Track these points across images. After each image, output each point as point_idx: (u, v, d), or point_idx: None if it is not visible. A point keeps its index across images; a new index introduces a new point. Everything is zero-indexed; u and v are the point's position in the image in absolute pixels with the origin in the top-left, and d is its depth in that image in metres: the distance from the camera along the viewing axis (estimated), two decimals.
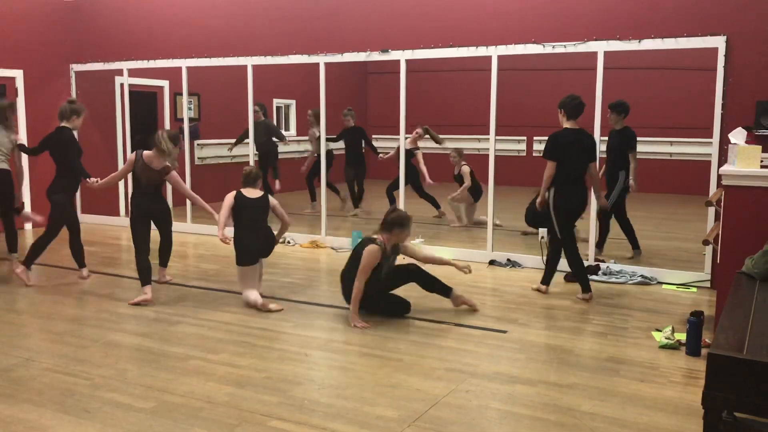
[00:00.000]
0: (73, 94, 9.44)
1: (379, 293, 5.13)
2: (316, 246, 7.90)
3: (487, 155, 7.08)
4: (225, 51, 8.38)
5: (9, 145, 6.32)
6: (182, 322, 5.02)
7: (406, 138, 7.75)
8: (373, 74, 14.22)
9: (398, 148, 7.95)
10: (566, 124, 5.62)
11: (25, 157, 8.28)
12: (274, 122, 12.06)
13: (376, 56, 7.56)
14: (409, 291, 5.31)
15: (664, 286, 6.19)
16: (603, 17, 6.44)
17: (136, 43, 9.01)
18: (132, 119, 9.25)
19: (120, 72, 9.19)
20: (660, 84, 11.81)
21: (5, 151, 6.30)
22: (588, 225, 6.80)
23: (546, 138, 5.69)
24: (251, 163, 8.26)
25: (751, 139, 5.35)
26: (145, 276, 5.51)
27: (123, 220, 9.34)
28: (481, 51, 6.97)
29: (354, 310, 4.92)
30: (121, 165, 8.96)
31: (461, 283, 5.71)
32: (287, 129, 13.14)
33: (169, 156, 5.59)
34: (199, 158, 10.79)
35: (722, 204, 4.57)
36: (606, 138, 6.99)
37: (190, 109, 10.20)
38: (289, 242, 7.94)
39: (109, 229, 9.14)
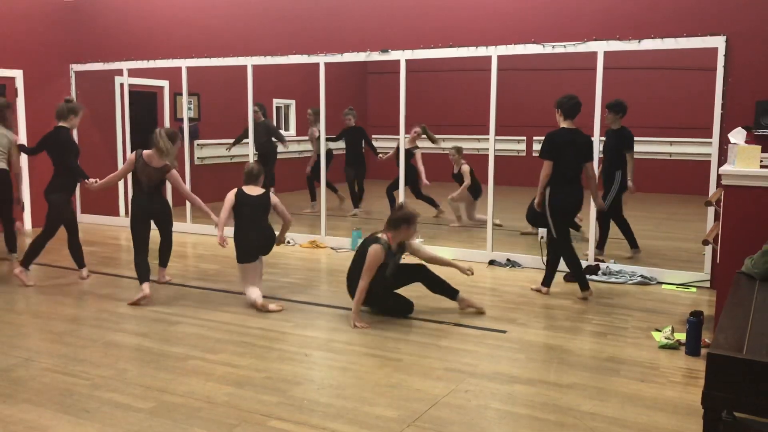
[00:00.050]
0: (73, 94, 9.44)
1: (385, 291, 5.13)
2: (315, 246, 7.90)
3: (487, 155, 7.08)
4: (225, 51, 8.38)
5: (7, 144, 6.32)
6: (182, 322, 5.01)
7: (405, 138, 7.75)
8: (372, 74, 14.22)
9: (397, 148, 7.94)
10: (563, 124, 5.62)
11: (24, 157, 8.31)
12: (274, 122, 12.07)
13: (376, 56, 7.56)
14: (408, 291, 5.31)
15: (663, 286, 6.19)
16: (603, 17, 6.44)
17: (135, 43, 9.01)
18: (132, 119, 9.25)
19: (120, 72, 9.19)
20: (660, 84, 11.81)
21: (3, 150, 6.30)
22: (588, 225, 6.80)
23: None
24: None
25: (751, 139, 5.35)
26: (142, 274, 5.51)
27: (122, 220, 9.34)
28: (480, 51, 6.97)
29: (356, 309, 4.92)
30: (121, 165, 8.95)
31: (461, 284, 5.70)
32: (287, 129, 13.13)
33: (168, 155, 5.59)
34: (198, 158, 10.78)
35: (722, 204, 4.57)
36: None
37: (189, 109, 10.20)
38: (288, 242, 7.94)
39: (108, 229, 9.14)
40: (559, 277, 6.09)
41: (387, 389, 3.76)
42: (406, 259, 5.40)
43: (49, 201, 6.00)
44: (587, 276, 6.32)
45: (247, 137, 8.62)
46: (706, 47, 6.04)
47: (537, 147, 11.86)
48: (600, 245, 6.98)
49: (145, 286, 5.47)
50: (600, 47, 6.41)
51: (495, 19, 6.94)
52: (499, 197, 7.20)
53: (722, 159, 5.81)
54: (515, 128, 11.27)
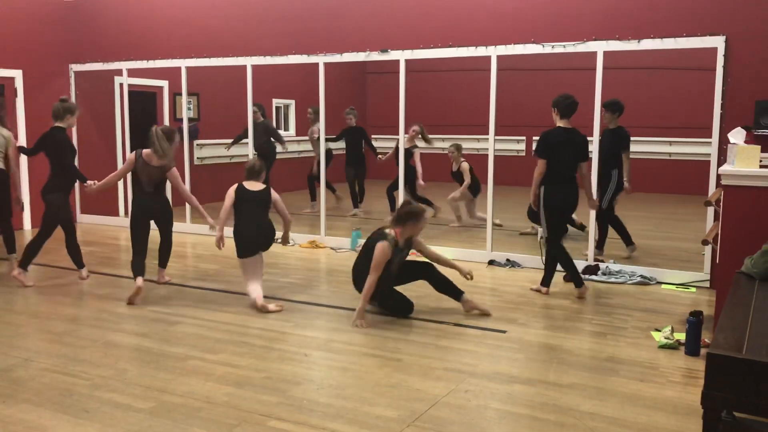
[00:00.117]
0: (73, 95, 9.44)
1: (389, 286, 5.13)
2: (315, 246, 7.90)
3: (487, 155, 7.08)
4: (224, 51, 8.38)
5: (4, 143, 6.29)
6: (181, 322, 5.01)
7: (404, 137, 7.75)
8: (372, 74, 14.22)
9: (396, 148, 7.94)
10: (559, 123, 5.63)
11: (23, 158, 8.31)
12: (274, 122, 12.06)
13: (375, 56, 7.56)
14: (408, 291, 5.31)
15: (663, 286, 6.19)
16: (602, 17, 6.44)
17: (135, 43, 9.01)
18: (131, 119, 9.25)
19: (119, 72, 9.19)
20: (659, 84, 11.82)
21: (0, 149, 6.26)
22: (588, 225, 6.80)
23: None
24: None
25: (750, 139, 5.35)
26: (138, 269, 5.54)
27: (122, 220, 9.34)
28: (480, 51, 6.98)
29: (363, 306, 4.92)
30: (120, 165, 8.95)
31: (460, 283, 5.69)
32: (286, 129, 13.13)
33: (165, 156, 5.58)
34: (198, 158, 10.78)
35: (721, 204, 4.57)
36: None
37: (189, 109, 10.20)
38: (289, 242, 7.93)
39: (108, 229, 9.13)
40: (558, 277, 6.09)
41: (387, 389, 3.76)
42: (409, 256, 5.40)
43: (46, 201, 5.99)
44: (587, 276, 6.34)
45: (246, 137, 8.62)
46: (706, 47, 6.04)
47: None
48: (599, 245, 6.98)
49: (139, 279, 5.48)
50: (599, 47, 6.41)
51: (494, 19, 6.94)
52: (498, 197, 7.20)
53: (722, 159, 5.82)
54: (515, 128, 11.28)
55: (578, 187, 5.70)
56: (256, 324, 4.97)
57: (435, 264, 5.37)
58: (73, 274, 6.35)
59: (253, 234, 5.41)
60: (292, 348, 4.46)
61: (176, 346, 4.46)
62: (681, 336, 4.49)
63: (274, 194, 5.55)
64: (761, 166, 4.48)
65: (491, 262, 7.02)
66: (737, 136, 4.83)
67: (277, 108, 12.89)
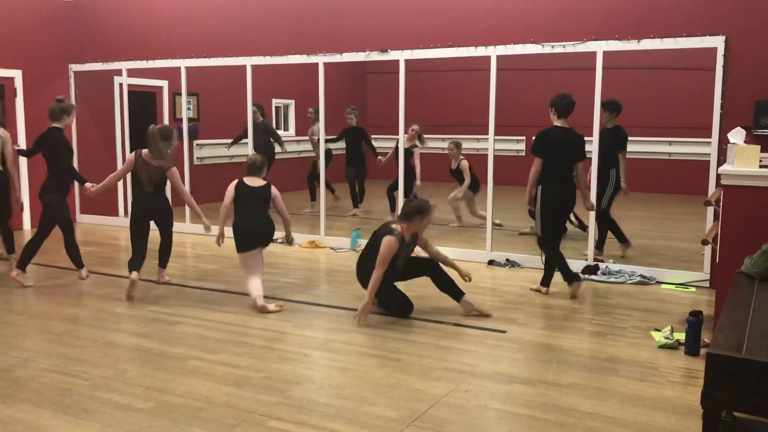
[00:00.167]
0: (72, 95, 9.44)
1: (393, 286, 5.13)
2: (315, 246, 7.90)
3: (486, 155, 7.08)
4: (224, 51, 8.38)
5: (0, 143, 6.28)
6: (181, 322, 5.01)
7: (404, 137, 7.74)
8: (372, 74, 14.22)
9: (396, 148, 7.94)
10: (557, 123, 5.64)
11: (23, 159, 8.30)
12: (273, 122, 12.06)
13: (375, 56, 7.56)
14: (408, 291, 5.30)
15: (663, 285, 6.19)
16: (602, 17, 6.44)
17: (135, 43, 9.01)
18: (131, 119, 9.24)
19: (119, 72, 9.19)
20: (659, 84, 11.82)
21: None
22: (587, 225, 6.80)
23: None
24: None
25: (750, 139, 5.35)
26: (133, 266, 5.57)
27: (122, 221, 9.34)
28: (480, 51, 6.98)
29: (369, 301, 4.92)
30: (120, 165, 8.95)
31: (460, 283, 5.69)
32: (286, 129, 13.13)
33: (161, 157, 5.59)
34: (198, 158, 10.78)
35: (721, 204, 4.57)
36: None
37: (189, 109, 10.20)
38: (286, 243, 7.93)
39: (107, 229, 9.13)
40: (558, 277, 6.08)
41: (386, 389, 3.76)
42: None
43: (44, 202, 5.98)
44: (587, 276, 6.35)
45: (246, 137, 8.62)
46: (706, 47, 6.04)
47: None
48: (599, 245, 6.98)
49: (134, 274, 5.51)
50: (599, 47, 6.41)
51: (494, 19, 6.94)
52: (498, 197, 7.20)
53: (721, 159, 5.82)
54: (514, 128, 11.28)
55: (575, 187, 5.70)
56: (256, 324, 4.97)
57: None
58: (72, 274, 6.35)
59: (252, 230, 5.40)
60: (292, 348, 4.46)
61: (176, 346, 4.46)
62: (681, 336, 4.49)
63: (274, 191, 5.54)
64: (761, 166, 4.48)
65: (491, 262, 7.02)
66: (737, 136, 4.83)
67: (277, 108, 12.89)
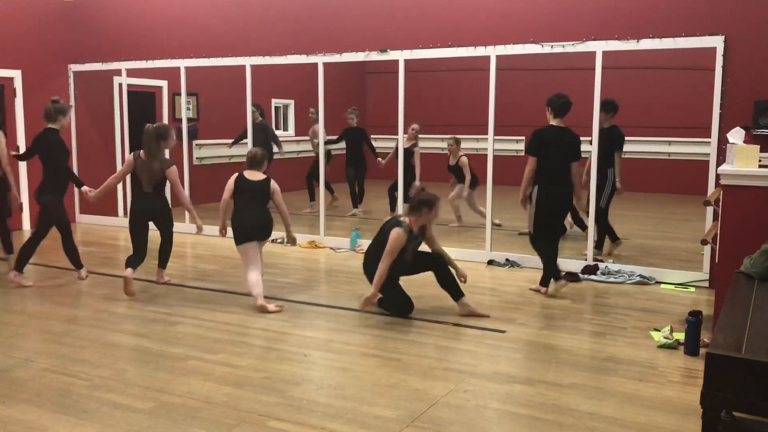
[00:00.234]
0: (72, 95, 9.44)
1: (397, 276, 5.13)
2: (314, 246, 7.89)
3: (486, 155, 7.08)
4: (223, 51, 8.38)
5: None
6: (181, 322, 5.01)
7: (404, 137, 7.74)
8: (371, 74, 14.22)
9: (396, 150, 7.93)
10: (552, 122, 5.65)
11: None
12: (273, 122, 12.05)
13: (374, 56, 7.55)
14: (407, 291, 5.30)
15: (662, 285, 6.19)
16: (601, 17, 6.44)
17: (134, 43, 9.00)
18: (130, 119, 9.24)
19: (118, 72, 9.19)
20: (658, 84, 11.82)
21: None
22: (587, 225, 6.80)
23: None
24: None
25: (750, 139, 5.35)
26: (129, 263, 5.59)
27: (121, 221, 9.33)
28: (479, 51, 6.97)
29: (375, 292, 4.92)
30: (119, 166, 8.95)
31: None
32: (285, 129, 13.13)
33: (153, 158, 5.58)
34: (197, 158, 10.78)
35: (720, 204, 4.57)
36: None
37: (188, 109, 10.20)
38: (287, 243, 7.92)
39: (107, 230, 9.13)
40: None
41: (386, 389, 3.76)
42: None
43: (40, 203, 5.96)
44: (586, 276, 6.35)
45: (245, 137, 8.61)
46: (705, 47, 6.04)
47: None
48: (599, 245, 6.98)
49: (128, 270, 5.53)
50: (599, 47, 6.41)
51: (493, 18, 6.94)
52: (498, 197, 7.20)
53: (721, 159, 5.82)
54: (514, 128, 11.28)
55: (572, 187, 5.69)
56: (256, 324, 4.97)
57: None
58: (72, 274, 6.34)
59: (251, 223, 5.39)
60: (292, 348, 4.46)
61: (175, 347, 4.46)
62: (680, 336, 4.49)
63: (273, 185, 5.52)
64: (760, 166, 4.48)
65: (490, 262, 7.02)
66: (736, 135, 4.83)
67: (277, 108, 12.89)
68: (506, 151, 12.33)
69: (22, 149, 8.21)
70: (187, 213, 8.65)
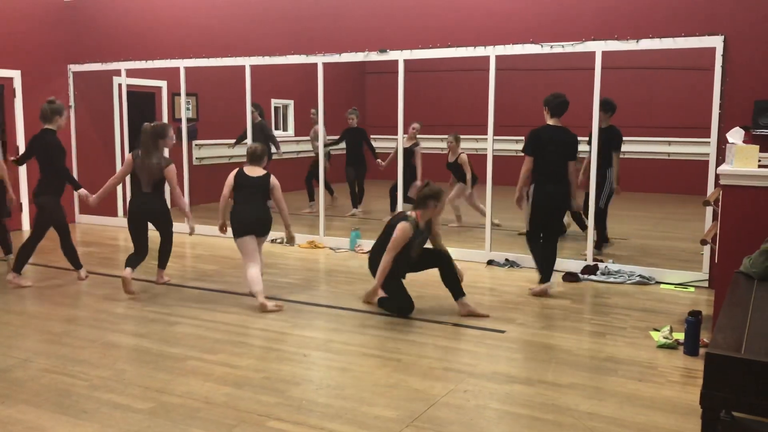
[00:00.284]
0: (71, 95, 9.44)
1: (401, 283, 5.13)
2: (314, 246, 7.89)
3: (485, 155, 7.08)
4: (223, 51, 8.38)
5: None
6: (180, 322, 5.01)
7: (403, 137, 7.74)
8: (371, 74, 14.22)
9: (395, 151, 7.92)
10: (549, 121, 5.66)
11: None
12: (273, 123, 12.04)
13: (374, 56, 7.55)
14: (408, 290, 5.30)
15: (662, 285, 6.19)
16: (601, 17, 6.44)
17: (134, 43, 9.00)
18: (130, 120, 9.24)
19: (118, 72, 9.18)
20: (658, 84, 11.82)
21: None
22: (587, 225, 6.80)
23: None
24: None
25: (749, 139, 5.35)
26: (128, 262, 5.60)
27: (121, 221, 9.32)
28: (479, 51, 6.97)
29: (378, 285, 4.91)
30: (119, 166, 8.95)
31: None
32: (285, 129, 13.13)
33: (149, 157, 5.58)
34: (197, 159, 10.78)
35: (720, 204, 4.57)
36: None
37: (188, 109, 10.19)
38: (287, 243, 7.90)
39: (106, 230, 9.12)
40: (557, 277, 6.09)
41: (386, 389, 3.76)
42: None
43: (37, 204, 5.95)
44: (586, 276, 6.35)
45: (246, 138, 8.61)
46: (704, 47, 6.04)
47: None
48: (598, 245, 6.98)
49: (126, 270, 5.53)
50: (598, 47, 6.41)
51: (493, 19, 6.94)
52: (497, 197, 7.20)
53: (720, 159, 5.82)
54: (513, 128, 11.29)
55: (569, 187, 5.69)
56: (255, 324, 4.97)
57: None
58: (71, 274, 6.34)
59: (250, 218, 5.39)
60: (291, 348, 4.46)
61: (175, 347, 4.46)
62: (680, 336, 4.49)
63: (273, 180, 5.52)
64: (760, 166, 4.48)
65: (490, 262, 7.02)
66: (736, 135, 4.83)
67: (276, 108, 12.89)
68: (506, 151, 12.30)
69: (22, 149, 8.20)
70: (187, 209, 8.74)
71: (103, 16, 9.27)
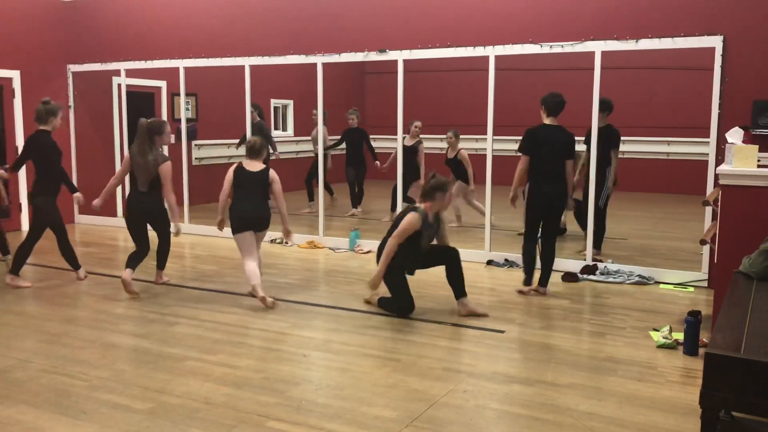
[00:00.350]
0: (71, 95, 9.43)
1: (404, 281, 5.13)
2: (313, 246, 7.89)
3: (485, 155, 7.08)
4: (222, 51, 8.38)
5: None
6: (179, 322, 5.01)
7: (403, 138, 7.73)
8: (370, 74, 14.21)
9: (396, 152, 7.91)
10: (546, 121, 5.66)
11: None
12: (272, 123, 12.03)
13: (373, 56, 7.55)
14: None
15: (661, 285, 6.19)
16: (600, 17, 6.44)
17: (133, 43, 9.00)
18: (129, 120, 9.23)
19: (117, 72, 9.18)
20: (657, 84, 11.82)
21: None
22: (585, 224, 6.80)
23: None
24: None
25: (748, 139, 5.36)
26: (127, 262, 5.60)
27: (120, 221, 9.31)
28: (478, 51, 6.97)
29: (380, 272, 4.90)
30: (119, 166, 8.94)
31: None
32: (285, 129, 13.13)
33: (143, 155, 5.57)
34: (196, 159, 10.78)
35: (719, 203, 4.57)
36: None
37: (187, 109, 10.20)
38: (286, 242, 7.92)
39: (106, 230, 9.12)
40: (556, 277, 6.09)
41: (385, 389, 3.76)
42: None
43: (34, 205, 5.94)
44: (585, 276, 6.35)
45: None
46: (704, 47, 6.04)
47: None
48: (597, 245, 6.98)
49: (126, 272, 5.52)
50: (597, 47, 6.41)
51: (492, 19, 6.94)
52: (497, 197, 7.19)
53: (720, 158, 5.82)
54: (513, 128, 11.29)
55: (566, 187, 5.68)
56: (255, 325, 4.97)
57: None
58: (70, 274, 6.34)
59: (250, 213, 5.39)
60: (291, 348, 4.46)
61: (174, 347, 4.46)
62: (679, 336, 4.49)
63: (272, 175, 5.51)
64: (759, 166, 4.49)
65: (489, 262, 7.02)
66: (735, 135, 4.83)
67: (276, 108, 12.89)
68: (505, 151, 12.30)
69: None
70: (186, 213, 8.74)
71: (102, 16, 9.27)
